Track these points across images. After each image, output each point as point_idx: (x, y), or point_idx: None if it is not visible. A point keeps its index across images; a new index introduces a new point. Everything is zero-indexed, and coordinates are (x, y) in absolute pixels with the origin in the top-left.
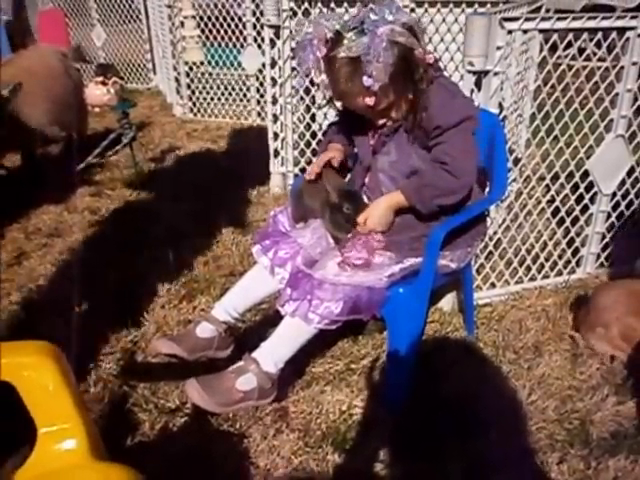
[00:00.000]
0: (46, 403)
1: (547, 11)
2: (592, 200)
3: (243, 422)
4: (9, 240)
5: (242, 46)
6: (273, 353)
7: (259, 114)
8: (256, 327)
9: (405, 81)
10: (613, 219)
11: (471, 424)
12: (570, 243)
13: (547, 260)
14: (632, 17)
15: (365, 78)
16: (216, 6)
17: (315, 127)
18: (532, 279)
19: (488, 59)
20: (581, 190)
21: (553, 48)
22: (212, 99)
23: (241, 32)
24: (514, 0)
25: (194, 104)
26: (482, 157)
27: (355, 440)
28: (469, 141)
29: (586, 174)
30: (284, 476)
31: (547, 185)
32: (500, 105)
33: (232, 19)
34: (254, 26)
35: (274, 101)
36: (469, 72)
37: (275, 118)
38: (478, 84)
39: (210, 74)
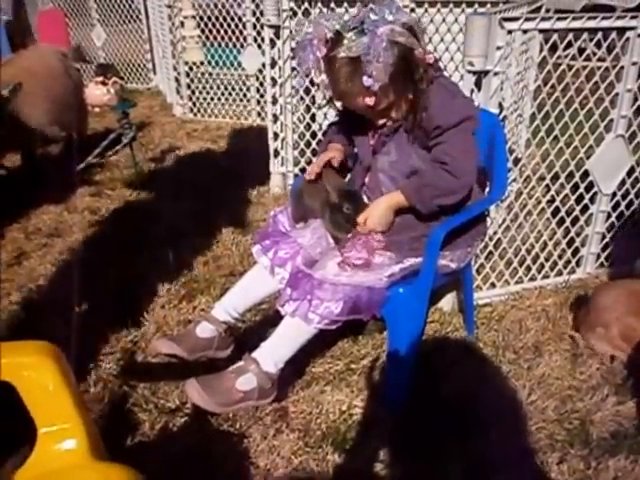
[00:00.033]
0: (46, 403)
1: (547, 11)
2: (592, 200)
3: (243, 422)
4: (9, 240)
5: (242, 46)
6: (273, 353)
7: (259, 114)
8: (256, 327)
9: (405, 81)
10: (613, 219)
11: (471, 424)
12: (570, 243)
13: (547, 260)
14: (632, 17)
15: (365, 78)
16: (216, 6)
17: (315, 127)
18: (532, 279)
19: (488, 59)
20: (581, 190)
21: (553, 48)
22: (212, 99)
23: (241, 32)
24: (514, 0)
25: (194, 104)
26: (482, 157)
27: (355, 440)
28: (469, 141)
29: (586, 174)
30: (284, 476)
31: (547, 185)
32: (500, 105)
33: (232, 19)
34: (254, 26)
35: (274, 101)
36: (469, 72)
37: (275, 118)
38: (478, 84)
39: (210, 74)
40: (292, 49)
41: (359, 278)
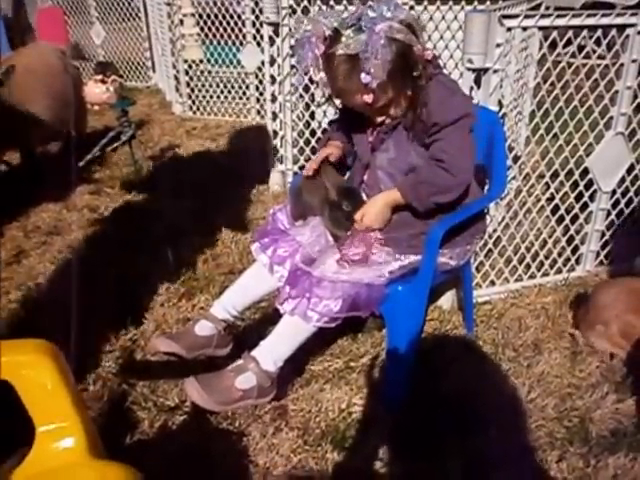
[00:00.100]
0: (44, 402)
1: (547, 8)
2: (592, 198)
3: (242, 420)
4: (8, 238)
5: (241, 44)
6: (272, 351)
7: (258, 112)
8: (255, 325)
9: (404, 78)
10: (613, 217)
11: (470, 422)
12: (570, 241)
13: (547, 258)
14: (632, 14)
15: (363, 75)
16: (215, 4)
17: (314, 125)
18: (531, 277)
19: (487, 56)
20: (581, 188)
21: (553, 45)
22: (211, 97)
23: (240, 30)
24: None
25: (193, 102)
26: (482, 155)
27: (354, 438)
28: (466, 139)
29: (586, 172)
30: (283, 474)
31: (547, 183)
32: (500, 103)
33: (231, 17)
34: (253, 24)
35: (273, 99)
36: (468, 69)
37: (274, 116)
38: (477, 81)
39: (209, 72)
40: (291, 47)
41: (358, 275)
